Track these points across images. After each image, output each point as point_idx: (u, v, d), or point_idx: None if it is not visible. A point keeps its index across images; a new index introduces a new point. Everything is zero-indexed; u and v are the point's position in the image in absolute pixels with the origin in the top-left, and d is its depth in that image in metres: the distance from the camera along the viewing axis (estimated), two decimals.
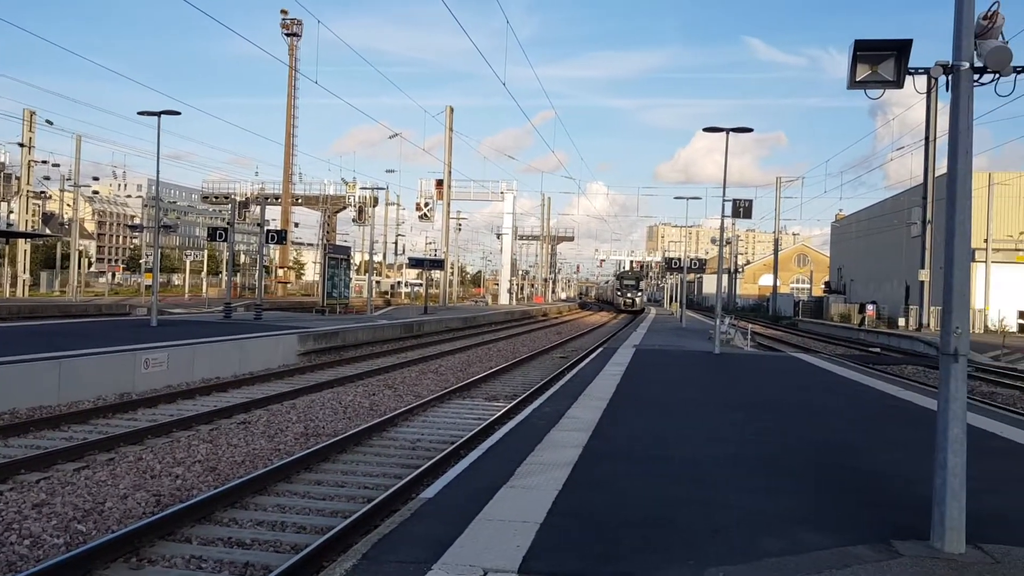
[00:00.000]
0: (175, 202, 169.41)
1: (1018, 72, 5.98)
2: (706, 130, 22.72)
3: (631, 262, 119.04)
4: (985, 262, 47.07)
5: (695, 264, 44.19)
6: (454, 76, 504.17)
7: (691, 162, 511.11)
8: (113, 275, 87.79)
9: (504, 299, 78.79)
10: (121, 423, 12.66)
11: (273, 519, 8.01)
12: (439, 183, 63.65)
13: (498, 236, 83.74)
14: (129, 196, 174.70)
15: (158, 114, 23.96)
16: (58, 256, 68.73)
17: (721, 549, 5.63)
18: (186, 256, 76.64)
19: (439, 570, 5.07)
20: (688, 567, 5.25)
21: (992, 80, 5.96)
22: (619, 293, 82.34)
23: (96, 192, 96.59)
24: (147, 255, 74.50)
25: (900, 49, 6.08)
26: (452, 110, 59.99)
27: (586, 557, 5.39)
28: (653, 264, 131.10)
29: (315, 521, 7.98)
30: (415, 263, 54.44)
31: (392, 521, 6.09)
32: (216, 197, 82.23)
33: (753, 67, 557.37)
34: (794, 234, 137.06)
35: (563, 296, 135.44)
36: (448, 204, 62.73)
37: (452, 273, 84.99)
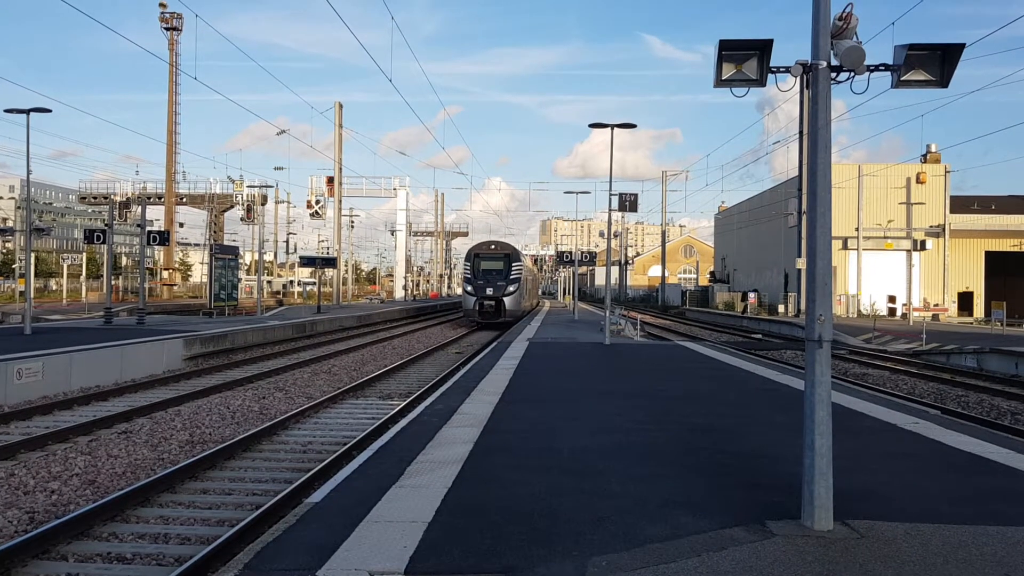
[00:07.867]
0: (51, 203, 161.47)
1: (871, 71, 6.31)
2: (592, 126, 23.19)
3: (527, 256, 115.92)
4: (857, 250, 49.44)
5: (586, 257, 44.89)
6: (355, 72, 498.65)
7: (588, 157, 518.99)
8: None
9: (399, 295, 78.30)
10: None
11: (156, 531, 7.77)
12: (330, 180, 62.71)
13: (392, 233, 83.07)
14: (1, 198, 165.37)
15: (27, 112, 22.79)
16: None
17: (604, 537, 5.77)
18: (64, 260, 72.95)
19: None
20: (572, 558, 5.36)
21: (848, 78, 6.28)
22: (471, 288, 41.38)
23: None
24: (20, 259, 70.76)
25: (762, 49, 6.33)
26: (341, 106, 59.13)
27: (472, 554, 5.44)
28: (547, 257, 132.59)
29: (200, 531, 7.78)
30: (307, 261, 53.48)
31: (276, 528, 6.00)
32: (95, 197, 78.73)
33: (650, 64, 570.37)
34: (681, 226, 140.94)
35: (459, 291, 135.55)
36: (339, 201, 61.87)
37: (346, 271, 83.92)
